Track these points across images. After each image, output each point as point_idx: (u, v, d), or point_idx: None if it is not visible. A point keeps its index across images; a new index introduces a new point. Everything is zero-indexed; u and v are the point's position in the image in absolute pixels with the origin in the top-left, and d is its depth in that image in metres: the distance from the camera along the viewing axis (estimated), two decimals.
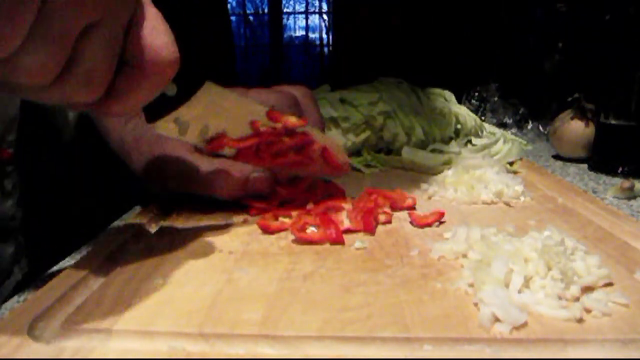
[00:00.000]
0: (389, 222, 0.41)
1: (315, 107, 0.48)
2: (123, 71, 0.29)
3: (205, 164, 0.44)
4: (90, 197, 0.61)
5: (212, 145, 0.40)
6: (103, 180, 0.60)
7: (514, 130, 1.02)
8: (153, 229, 0.42)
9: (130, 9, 0.28)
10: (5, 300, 0.40)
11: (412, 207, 0.45)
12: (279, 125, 0.42)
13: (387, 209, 0.43)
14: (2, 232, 0.48)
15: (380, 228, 0.40)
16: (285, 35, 4.04)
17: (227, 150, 0.41)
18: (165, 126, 0.36)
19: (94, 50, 0.27)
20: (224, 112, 0.39)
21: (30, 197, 0.52)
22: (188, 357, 0.24)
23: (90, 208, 0.58)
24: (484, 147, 0.70)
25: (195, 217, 0.44)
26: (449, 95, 0.81)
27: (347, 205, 0.42)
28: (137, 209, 0.52)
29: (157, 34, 0.29)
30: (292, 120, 0.42)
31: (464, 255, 0.33)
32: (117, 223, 0.50)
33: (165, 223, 0.43)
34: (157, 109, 0.35)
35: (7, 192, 0.47)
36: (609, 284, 0.30)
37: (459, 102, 0.83)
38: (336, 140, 0.48)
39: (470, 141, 0.74)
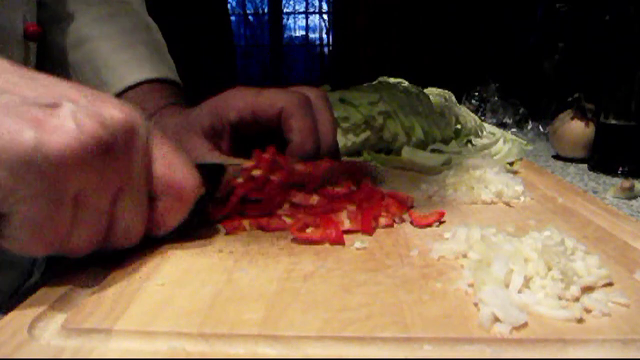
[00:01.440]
0: (391, 225, 0.41)
1: (328, 109, 0.49)
2: (154, 205, 0.33)
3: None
4: None
5: (231, 227, 0.40)
6: None
7: (514, 130, 1.02)
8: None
9: (145, 163, 0.31)
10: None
11: (411, 207, 0.45)
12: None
13: (396, 218, 0.42)
14: None
15: (380, 228, 0.40)
16: (285, 35, 4.04)
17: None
18: None
19: (127, 208, 0.30)
20: None
21: None
22: (188, 357, 0.24)
23: None
24: (484, 147, 0.70)
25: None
26: (449, 95, 0.81)
27: (350, 206, 0.42)
28: None
29: (175, 169, 0.33)
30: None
31: (464, 255, 0.33)
32: None
33: None
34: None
35: None
36: (609, 284, 0.30)
37: (459, 102, 0.84)
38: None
39: (470, 141, 0.74)
